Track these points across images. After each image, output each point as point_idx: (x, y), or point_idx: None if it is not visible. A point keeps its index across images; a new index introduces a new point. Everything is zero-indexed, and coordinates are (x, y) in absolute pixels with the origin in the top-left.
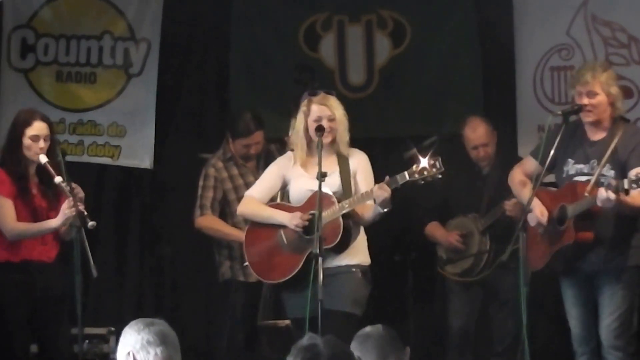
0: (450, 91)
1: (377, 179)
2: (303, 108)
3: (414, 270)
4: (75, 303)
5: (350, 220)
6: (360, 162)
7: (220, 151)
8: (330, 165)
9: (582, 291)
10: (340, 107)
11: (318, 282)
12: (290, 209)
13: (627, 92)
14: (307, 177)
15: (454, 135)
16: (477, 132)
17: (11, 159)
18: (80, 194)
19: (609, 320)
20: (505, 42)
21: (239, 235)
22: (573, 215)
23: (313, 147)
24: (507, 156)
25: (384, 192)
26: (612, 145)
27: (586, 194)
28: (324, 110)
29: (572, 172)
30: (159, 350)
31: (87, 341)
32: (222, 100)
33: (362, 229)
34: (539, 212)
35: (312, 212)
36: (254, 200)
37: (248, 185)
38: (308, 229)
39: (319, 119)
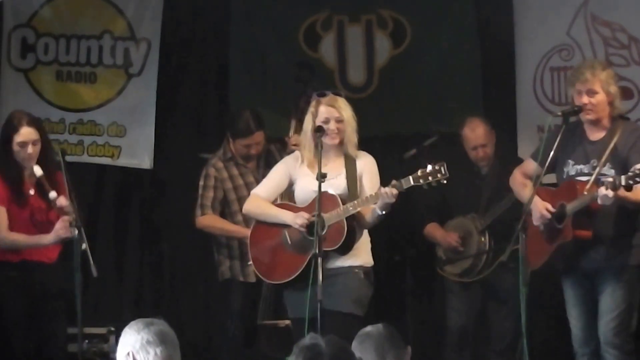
0: (450, 91)
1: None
2: (311, 109)
3: (414, 270)
4: (75, 302)
5: (355, 222)
6: (367, 165)
7: (221, 151)
8: (337, 166)
9: (583, 291)
10: (349, 108)
11: (317, 282)
12: (295, 209)
13: (627, 93)
14: (313, 178)
15: (454, 135)
16: (476, 133)
17: (3, 163)
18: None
19: (608, 318)
20: (506, 42)
21: (242, 231)
22: (572, 213)
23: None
24: (507, 156)
25: (389, 198)
26: (612, 144)
27: (585, 192)
28: (332, 112)
29: (572, 172)
30: (158, 350)
31: (86, 341)
32: (222, 100)
33: (366, 230)
34: (542, 206)
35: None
36: (260, 199)
37: (248, 185)
38: (312, 229)
39: (326, 121)
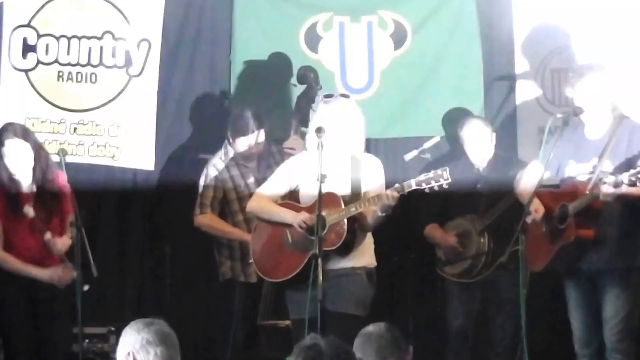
0: (451, 93)
1: None
2: (318, 110)
3: (413, 271)
4: (76, 302)
5: (357, 223)
6: (372, 168)
7: (222, 151)
8: (342, 168)
9: (585, 293)
10: (355, 111)
11: (317, 282)
12: (298, 209)
13: None
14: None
15: (454, 137)
16: (474, 134)
17: None
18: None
19: (613, 323)
20: (506, 44)
21: (239, 233)
22: (574, 213)
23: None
24: (506, 158)
25: (390, 200)
26: (612, 142)
27: (587, 192)
28: (338, 114)
29: (573, 173)
30: (158, 350)
31: (87, 340)
32: (222, 100)
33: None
34: (532, 209)
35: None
36: (264, 198)
37: (249, 186)
38: (313, 229)
39: (332, 123)
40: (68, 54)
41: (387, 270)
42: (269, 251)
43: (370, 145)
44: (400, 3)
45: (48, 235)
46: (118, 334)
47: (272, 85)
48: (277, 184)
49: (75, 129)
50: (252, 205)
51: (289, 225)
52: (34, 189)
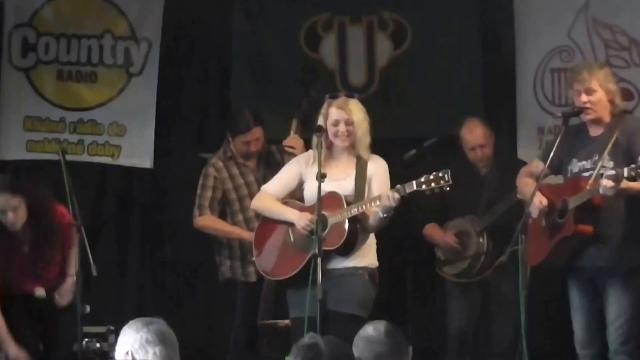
0: (451, 92)
1: None
2: (323, 111)
3: (413, 271)
4: (75, 302)
5: (358, 224)
6: (378, 169)
7: (221, 151)
8: (348, 168)
9: (587, 294)
10: (360, 111)
11: (317, 282)
12: (302, 208)
13: (627, 95)
14: None
15: (454, 137)
16: (474, 134)
17: None
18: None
19: (616, 325)
20: (506, 43)
21: (239, 232)
22: (573, 207)
23: (333, 150)
24: (506, 157)
25: (391, 201)
26: (613, 138)
27: (588, 187)
28: (342, 114)
29: (575, 170)
30: (157, 349)
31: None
32: (222, 100)
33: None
34: (537, 201)
35: (321, 212)
36: (268, 196)
37: (248, 185)
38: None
39: (336, 123)
40: (68, 53)
41: (386, 270)
42: (271, 249)
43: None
44: (401, 3)
45: (39, 292)
46: (117, 333)
47: (272, 85)
48: (282, 182)
49: (75, 127)
50: (256, 203)
51: (292, 224)
52: (29, 233)
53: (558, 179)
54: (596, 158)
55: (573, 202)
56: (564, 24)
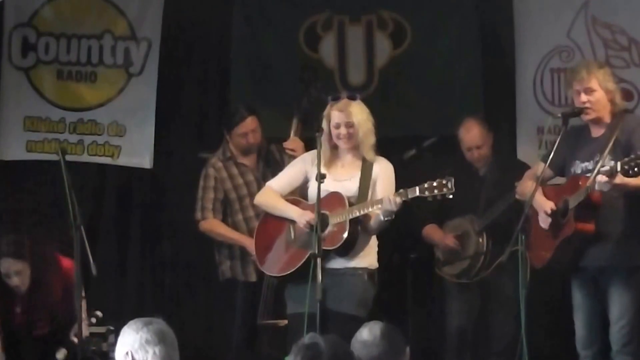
0: (450, 92)
1: None
2: (325, 112)
3: (413, 272)
4: (75, 302)
5: (359, 226)
6: (382, 171)
7: (220, 151)
8: (353, 169)
9: (589, 293)
10: (362, 113)
11: (317, 282)
12: (304, 206)
13: (627, 95)
14: (327, 177)
15: (453, 136)
16: (470, 134)
17: None
18: None
19: (619, 325)
20: (506, 43)
21: (241, 239)
22: (573, 206)
23: (338, 150)
24: (505, 157)
25: (392, 205)
26: (613, 137)
27: (587, 184)
28: (343, 117)
29: (578, 171)
30: (157, 349)
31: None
32: (222, 100)
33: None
34: (547, 206)
35: (322, 212)
36: (272, 192)
37: (248, 184)
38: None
39: (337, 125)
40: (68, 52)
41: (386, 270)
42: (271, 245)
43: None
44: (400, 2)
45: (60, 354)
46: (117, 333)
47: (272, 85)
48: (287, 179)
49: (74, 127)
50: (259, 198)
51: (294, 221)
52: (31, 297)
53: (563, 181)
54: (597, 158)
55: (573, 202)
56: (563, 24)
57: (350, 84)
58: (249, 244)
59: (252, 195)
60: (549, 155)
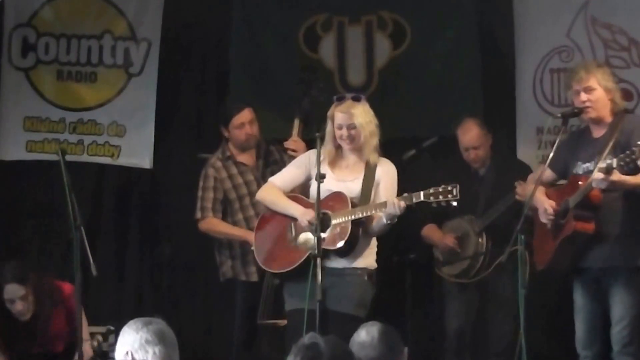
0: (450, 93)
1: None
2: (329, 112)
3: (412, 272)
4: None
5: (361, 227)
6: (385, 173)
7: (219, 151)
8: (356, 171)
9: (591, 294)
10: (365, 115)
11: (316, 282)
12: (307, 204)
13: (627, 95)
14: (330, 177)
15: (453, 137)
16: (468, 135)
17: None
18: None
19: (620, 326)
20: (505, 44)
21: (243, 234)
22: (573, 205)
23: (342, 150)
24: (505, 158)
25: (396, 209)
26: (613, 138)
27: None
28: (345, 118)
29: (580, 172)
30: (157, 349)
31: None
32: (222, 100)
33: None
34: (547, 204)
35: (324, 211)
36: (275, 188)
37: (247, 184)
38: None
39: (340, 127)
40: (68, 53)
41: (385, 270)
42: (271, 241)
43: None
44: (400, 3)
45: None
46: (117, 333)
47: (271, 85)
48: (290, 176)
49: (74, 127)
50: (261, 194)
51: (295, 219)
52: (36, 324)
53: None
54: (598, 158)
55: (572, 201)
56: (563, 24)
57: (349, 84)
58: (251, 238)
59: (251, 195)
60: (552, 157)
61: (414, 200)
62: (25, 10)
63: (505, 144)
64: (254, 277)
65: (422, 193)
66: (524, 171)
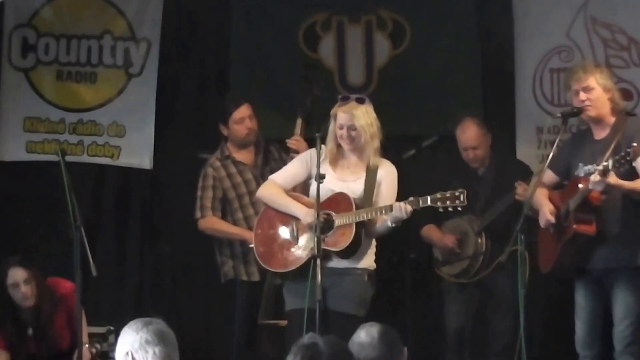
0: (450, 92)
1: None
2: (333, 111)
3: (412, 272)
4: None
5: (364, 229)
6: (386, 174)
7: (218, 151)
8: (357, 171)
9: (592, 294)
10: (366, 117)
11: (316, 282)
12: (308, 204)
13: (626, 95)
14: (331, 176)
15: (452, 137)
16: (466, 135)
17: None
18: None
19: (622, 326)
20: (505, 43)
21: (242, 233)
22: (573, 208)
23: (342, 150)
24: (505, 158)
25: (402, 213)
26: (615, 140)
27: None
28: (346, 119)
29: (582, 174)
30: (157, 349)
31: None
32: (221, 100)
33: None
34: (547, 211)
35: (327, 211)
36: (275, 186)
37: (247, 183)
38: (321, 227)
39: (341, 127)
40: (68, 53)
41: (385, 270)
42: (272, 239)
43: None
44: (400, 2)
45: None
46: (117, 333)
47: (271, 85)
48: (291, 174)
49: (74, 128)
50: (262, 192)
51: (296, 218)
52: (33, 316)
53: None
54: (599, 161)
55: (573, 203)
56: (562, 24)
57: (349, 84)
58: (250, 237)
59: (251, 194)
60: (554, 159)
61: (421, 204)
62: (25, 11)
63: (505, 144)
64: (256, 277)
65: (429, 197)
66: (523, 171)
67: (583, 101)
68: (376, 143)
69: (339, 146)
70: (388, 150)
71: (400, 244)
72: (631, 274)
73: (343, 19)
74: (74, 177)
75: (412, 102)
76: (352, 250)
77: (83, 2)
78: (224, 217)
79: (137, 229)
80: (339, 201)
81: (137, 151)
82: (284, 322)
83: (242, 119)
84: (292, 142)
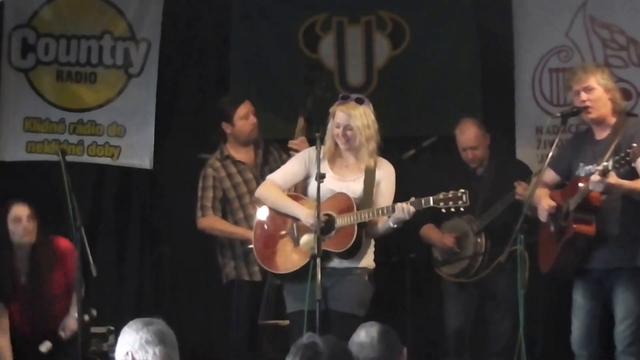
0: (449, 92)
1: None
2: (332, 109)
3: (411, 272)
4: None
5: (365, 230)
6: (385, 175)
7: (218, 151)
8: (356, 171)
9: (591, 294)
10: (363, 118)
11: (317, 282)
12: (306, 203)
13: (626, 94)
14: (330, 176)
15: (452, 137)
16: (465, 135)
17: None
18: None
19: (623, 326)
20: (504, 44)
21: (243, 232)
22: (573, 208)
23: (340, 149)
24: (504, 158)
25: (405, 214)
26: (616, 141)
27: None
28: (344, 119)
29: (582, 174)
30: (157, 349)
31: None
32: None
33: None
34: (545, 204)
35: (328, 212)
36: (274, 186)
37: (247, 183)
38: (322, 228)
39: (338, 126)
40: (67, 53)
41: (384, 270)
42: (273, 240)
43: None
44: (399, 3)
45: (45, 347)
46: (117, 333)
47: (271, 85)
48: (289, 174)
49: (74, 128)
50: (261, 192)
51: (297, 219)
52: (28, 263)
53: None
54: (600, 161)
55: (572, 204)
56: (562, 24)
57: (349, 84)
58: (251, 236)
59: (251, 193)
60: (555, 160)
61: (424, 205)
62: (25, 11)
63: (505, 144)
64: (257, 277)
65: (431, 198)
66: (522, 171)
67: (584, 101)
68: (372, 145)
69: (336, 145)
70: (388, 150)
71: (400, 244)
72: (631, 275)
73: (343, 19)
74: (74, 177)
75: (412, 102)
76: (354, 251)
77: (83, 3)
78: (224, 217)
79: (137, 229)
80: (340, 201)
81: (137, 151)
82: (284, 322)
83: (247, 114)
84: (295, 144)
